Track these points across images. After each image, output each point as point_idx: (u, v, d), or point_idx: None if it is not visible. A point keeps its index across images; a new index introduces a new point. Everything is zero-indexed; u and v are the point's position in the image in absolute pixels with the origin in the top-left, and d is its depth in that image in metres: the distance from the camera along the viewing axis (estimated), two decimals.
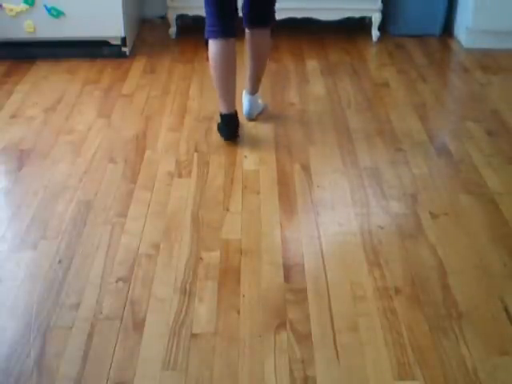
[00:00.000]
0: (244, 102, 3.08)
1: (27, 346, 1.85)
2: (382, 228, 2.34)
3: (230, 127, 2.91)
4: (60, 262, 2.18)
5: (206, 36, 2.79)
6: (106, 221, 2.38)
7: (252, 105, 3.08)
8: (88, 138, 2.95)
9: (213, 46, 2.77)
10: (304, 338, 1.88)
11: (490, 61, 3.77)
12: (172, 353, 1.84)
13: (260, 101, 3.15)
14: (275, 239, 2.29)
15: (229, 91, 2.86)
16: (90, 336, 1.89)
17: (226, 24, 2.74)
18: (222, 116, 2.91)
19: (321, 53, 3.90)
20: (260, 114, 3.13)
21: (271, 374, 1.77)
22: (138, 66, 3.72)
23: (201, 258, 2.20)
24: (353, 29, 4.22)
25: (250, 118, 3.09)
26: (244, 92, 3.08)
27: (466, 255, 2.22)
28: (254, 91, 3.06)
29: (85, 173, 2.68)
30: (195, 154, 2.81)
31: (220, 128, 2.95)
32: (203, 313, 1.97)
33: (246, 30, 2.88)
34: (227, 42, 2.76)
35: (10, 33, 3.64)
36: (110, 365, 1.80)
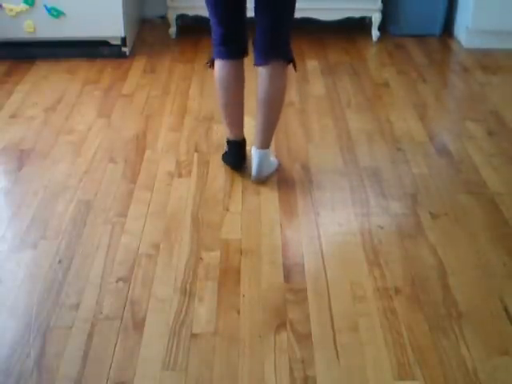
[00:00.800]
0: (253, 159, 2.57)
1: (27, 346, 1.85)
2: (381, 228, 2.34)
3: (237, 156, 2.65)
4: (60, 262, 2.18)
5: (213, 56, 2.50)
6: (106, 221, 2.38)
7: (262, 162, 2.55)
8: (88, 138, 2.95)
9: (220, 67, 2.48)
10: (304, 338, 1.88)
11: (490, 61, 3.77)
12: (172, 353, 1.84)
13: (272, 158, 2.68)
14: (275, 239, 2.29)
15: (237, 116, 2.58)
16: (90, 336, 1.89)
17: (235, 41, 2.44)
18: (230, 142, 2.64)
19: (321, 53, 3.90)
20: (272, 174, 2.64)
21: (271, 374, 1.77)
22: (138, 65, 3.72)
23: (201, 258, 2.20)
24: (353, 29, 4.22)
25: (259, 179, 2.59)
26: (253, 147, 2.58)
27: (466, 255, 2.22)
28: (262, 145, 2.55)
29: (85, 173, 2.68)
30: (195, 154, 2.81)
31: (226, 156, 2.70)
32: (203, 313, 1.97)
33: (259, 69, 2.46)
34: (236, 63, 2.47)
35: (10, 33, 3.64)
36: (110, 365, 1.80)
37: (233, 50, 2.45)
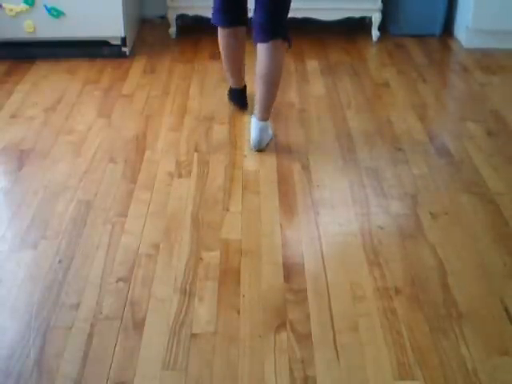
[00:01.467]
0: (252, 131, 2.78)
1: (27, 346, 1.85)
2: (382, 228, 2.34)
3: (239, 99, 3.11)
4: (60, 262, 2.18)
5: (212, 21, 2.87)
6: (106, 221, 2.38)
7: (262, 134, 2.77)
8: (88, 138, 2.95)
9: (220, 33, 2.87)
10: (304, 338, 1.88)
11: (490, 61, 3.77)
12: (172, 353, 1.84)
13: (270, 130, 2.87)
14: (275, 239, 2.29)
15: (236, 70, 2.98)
16: (90, 336, 1.89)
17: (232, 11, 2.80)
18: (232, 89, 3.11)
19: (321, 53, 3.90)
20: (268, 144, 2.85)
21: (271, 374, 1.77)
22: (138, 65, 3.72)
23: (201, 258, 2.20)
24: (353, 29, 4.22)
25: (259, 149, 2.79)
26: (252, 118, 2.80)
27: (466, 255, 2.22)
28: (264, 117, 2.77)
29: (85, 173, 2.68)
30: (195, 154, 2.81)
31: (230, 97, 3.17)
32: (203, 313, 1.97)
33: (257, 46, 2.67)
34: (235, 30, 2.83)
35: (10, 33, 3.64)
36: (110, 365, 1.80)
37: (230, 19, 2.80)
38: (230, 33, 2.86)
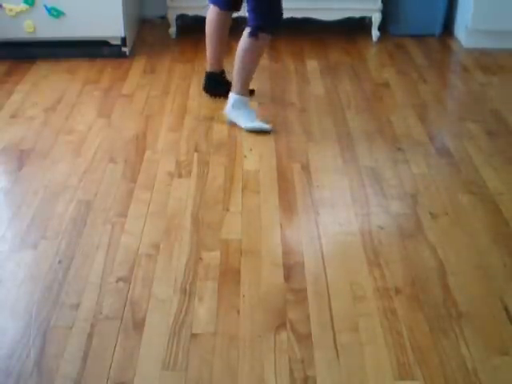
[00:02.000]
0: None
1: (27, 346, 1.85)
2: (382, 228, 2.34)
3: (207, 83, 3.27)
4: (60, 262, 2.18)
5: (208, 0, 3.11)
6: (106, 221, 2.38)
7: (231, 104, 3.00)
8: (88, 138, 2.95)
9: (213, 12, 3.08)
10: (304, 338, 1.88)
11: (490, 61, 3.77)
12: (172, 353, 1.84)
13: (260, 123, 2.98)
14: (275, 239, 2.29)
15: (212, 53, 3.18)
16: (90, 336, 1.89)
17: None
18: (205, 73, 3.30)
19: (321, 53, 3.90)
20: (254, 129, 2.96)
21: (271, 374, 1.77)
22: (138, 65, 3.72)
23: (201, 258, 2.20)
24: (353, 29, 4.22)
25: (229, 121, 3.03)
26: None
27: (466, 255, 2.22)
28: (234, 88, 2.99)
29: (85, 173, 2.68)
30: (195, 154, 2.81)
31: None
32: (203, 313, 1.97)
33: None
34: (224, 14, 3.06)
35: (10, 33, 3.64)
36: (110, 365, 1.80)
37: (225, 2, 3.04)
38: (224, 15, 3.08)
